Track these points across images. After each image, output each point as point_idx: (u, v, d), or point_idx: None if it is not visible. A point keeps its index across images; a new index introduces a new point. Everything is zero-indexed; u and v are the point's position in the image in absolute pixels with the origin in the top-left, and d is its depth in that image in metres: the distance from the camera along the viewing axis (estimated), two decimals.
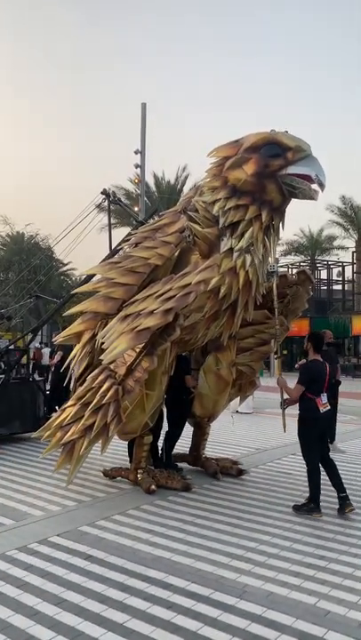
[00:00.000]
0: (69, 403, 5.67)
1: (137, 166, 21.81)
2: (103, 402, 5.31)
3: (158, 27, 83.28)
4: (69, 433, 5.37)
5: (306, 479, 5.66)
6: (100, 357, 5.36)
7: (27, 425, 8.94)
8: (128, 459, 6.81)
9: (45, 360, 18.52)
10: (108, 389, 5.35)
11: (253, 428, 10.73)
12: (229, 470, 6.89)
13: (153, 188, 31.49)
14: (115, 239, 8.88)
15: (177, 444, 6.99)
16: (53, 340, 7.60)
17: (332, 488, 5.52)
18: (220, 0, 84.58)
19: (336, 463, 5.72)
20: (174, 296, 5.22)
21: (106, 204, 9.29)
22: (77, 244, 9.01)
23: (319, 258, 35.98)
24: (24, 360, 10.36)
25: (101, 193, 8.96)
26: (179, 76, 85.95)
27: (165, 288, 5.38)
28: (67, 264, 36.47)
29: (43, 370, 18.25)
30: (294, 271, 10.23)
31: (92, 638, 3.20)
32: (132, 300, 5.53)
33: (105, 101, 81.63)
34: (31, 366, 10.22)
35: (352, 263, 33.95)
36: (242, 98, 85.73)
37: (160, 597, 3.67)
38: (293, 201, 5.65)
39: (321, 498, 5.48)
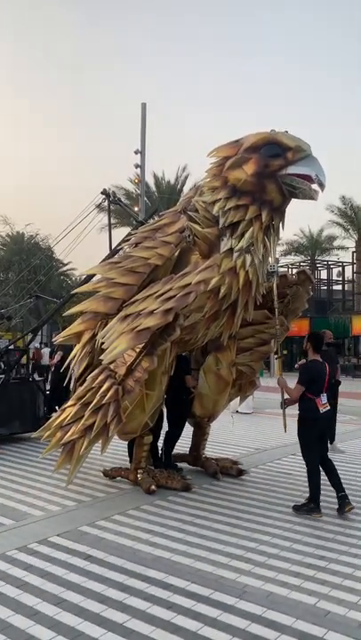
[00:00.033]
0: (69, 403, 5.67)
1: (137, 166, 21.82)
2: (103, 402, 5.31)
3: (158, 27, 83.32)
4: (69, 433, 5.37)
5: (306, 479, 5.66)
6: (100, 357, 5.36)
7: (26, 425, 8.94)
8: (128, 459, 6.81)
9: (45, 360, 18.51)
10: (108, 389, 5.35)
11: (253, 428, 10.73)
12: (229, 470, 6.89)
13: (153, 188, 31.49)
14: (115, 239, 8.90)
15: (177, 443, 6.99)
16: (53, 340, 7.61)
17: (332, 488, 5.52)
18: (220, 0, 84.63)
19: (336, 463, 5.72)
20: (174, 296, 5.22)
21: (106, 203, 9.29)
22: (77, 244, 9.02)
23: (319, 258, 36.00)
24: (24, 360, 10.37)
25: (101, 193, 8.96)
26: (179, 76, 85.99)
27: (165, 288, 5.38)
28: (67, 264, 36.49)
29: (42, 370, 18.24)
30: (294, 271, 10.23)
31: (92, 638, 3.20)
32: (132, 300, 5.53)
33: (105, 101, 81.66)
34: (30, 366, 10.21)
35: (352, 263, 33.96)
36: (242, 98, 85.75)
37: (160, 597, 3.67)
38: (293, 201, 5.65)
39: (321, 498, 5.48)
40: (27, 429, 8.91)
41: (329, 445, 7.04)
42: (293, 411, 5.68)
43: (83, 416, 5.34)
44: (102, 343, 5.43)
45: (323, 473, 5.55)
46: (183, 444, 7.33)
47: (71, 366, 6.49)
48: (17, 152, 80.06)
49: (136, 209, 20.67)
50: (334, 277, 35.30)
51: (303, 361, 7.03)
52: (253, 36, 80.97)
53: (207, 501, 5.78)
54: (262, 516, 5.31)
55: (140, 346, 5.50)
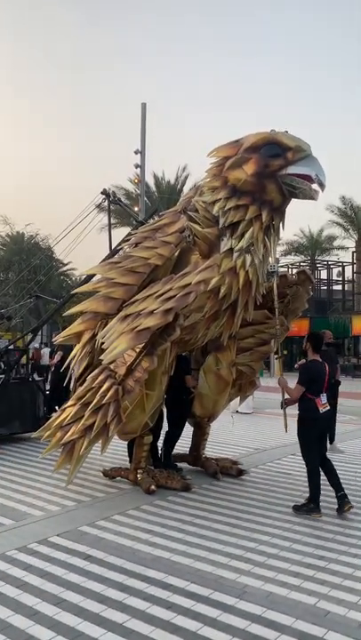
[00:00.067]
0: (69, 403, 5.67)
1: (137, 166, 21.82)
2: (103, 402, 5.31)
3: (158, 27, 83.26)
4: (69, 433, 5.37)
5: (305, 479, 5.66)
6: (100, 357, 5.36)
7: (26, 425, 8.94)
8: (128, 459, 6.81)
9: (45, 360, 18.50)
10: (108, 389, 5.35)
11: (253, 428, 10.73)
12: (229, 470, 6.89)
13: (153, 188, 31.50)
14: (115, 239, 8.89)
15: (177, 443, 6.99)
16: (53, 340, 7.60)
17: (332, 488, 5.51)
18: (221, 0, 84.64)
19: (335, 463, 5.72)
20: (174, 296, 5.22)
21: (106, 204, 9.29)
22: (77, 244, 9.02)
23: (319, 258, 36.00)
24: (24, 360, 10.37)
25: (101, 193, 8.96)
26: (179, 76, 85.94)
27: (165, 288, 5.37)
28: (67, 264, 36.49)
29: (42, 370, 18.23)
30: (294, 271, 10.22)
31: (92, 638, 3.20)
32: (132, 299, 5.53)
33: (105, 101, 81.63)
34: (30, 367, 10.22)
35: (352, 263, 33.97)
36: (242, 98, 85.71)
37: (160, 597, 3.67)
38: (293, 201, 5.65)
39: (321, 498, 5.48)
40: (26, 429, 8.91)
41: (329, 445, 7.05)
42: (294, 411, 5.67)
43: (83, 416, 5.34)
44: (102, 343, 5.43)
45: (322, 473, 5.55)
46: (183, 444, 7.33)
47: (71, 366, 6.49)
48: (17, 152, 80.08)
49: (136, 209, 20.67)
50: (334, 277, 35.32)
51: (303, 361, 7.04)
52: (253, 36, 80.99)
53: (207, 501, 5.78)
54: (262, 516, 5.31)
55: (140, 346, 5.49)
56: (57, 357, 10.54)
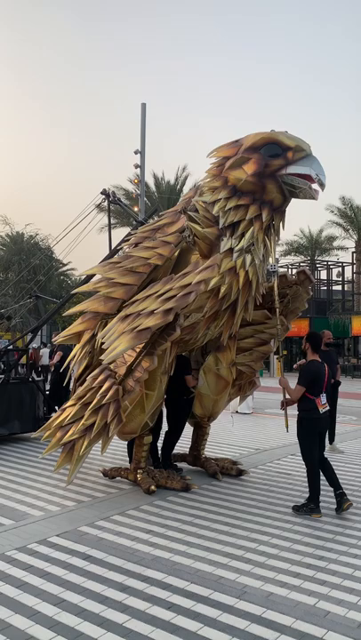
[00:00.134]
0: (69, 403, 5.67)
1: (137, 166, 21.80)
2: (103, 402, 5.31)
3: (158, 27, 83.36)
4: (69, 433, 5.36)
5: (305, 479, 5.65)
6: (101, 357, 5.35)
7: (26, 425, 8.94)
8: (128, 459, 6.81)
9: (45, 360, 18.52)
10: (108, 389, 5.35)
11: (253, 428, 10.73)
12: (229, 470, 6.89)
13: (153, 188, 31.52)
14: (115, 239, 8.91)
15: (177, 443, 6.98)
16: (53, 340, 7.60)
17: (331, 488, 5.51)
18: (221, 0, 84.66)
19: (335, 463, 5.73)
20: (174, 296, 5.22)
21: (106, 204, 9.29)
22: (77, 244, 9.02)
23: (319, 258, 36.01)
24: (23, 360, 10.36)
25: (101, 193, 8.96)
26: (179, 76, 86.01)
27: (166, 288, 5.37)
28: (66, 264, 36.53)
29: (39, 370, 18.24)
30: (294, 271, 10.24)
31: (92, 638, 3.19)
32: (132, 299, 5.53)
33: (105, 101, 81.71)
34: (27, 367, 10.21)
35: (352, 263, 33.99)
36: (242, 98, 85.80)
37: (159, 598, 3.67)
38: (293, 201, 5.65)
39: (320, 498, 5.48)
40: (26, 429, 8.91)
41: (329, 445, 7.06)
42: (294, 411, 5.67)
43: (83, 416, 5.34)
44: (102, 343, 5.42)
45: (321, 473, 5.54)
46: (183, 444, 7.33)
47: (71, 366, 6.49)
48: (17, 152, 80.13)
49: (136, 209, 20.66)
50: (334, 278, 35.33)
51: (303, 361, 7.04)
52: (254, 36, 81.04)
53: (207, 501, 5.77)
54: (262, 517, 5.31)
55: (140, 346, 5.49)
56: (57, 357, 10.54)
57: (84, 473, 6.82)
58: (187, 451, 7.29)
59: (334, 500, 5.49)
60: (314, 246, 36.24)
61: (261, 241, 5.53)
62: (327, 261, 35.35)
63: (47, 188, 72.57)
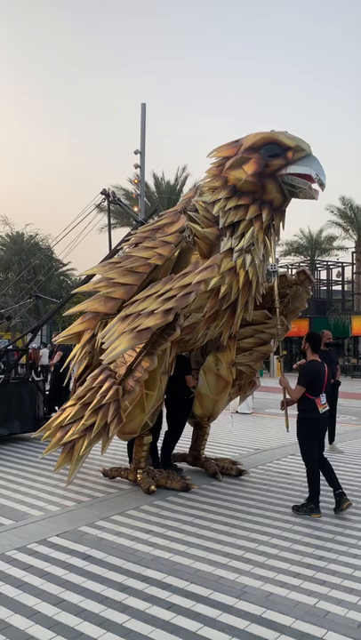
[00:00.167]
0: (69, 403, 5.67)
1: (137, 166, 21.80)
2: (103, 402, 5.30)
3: (158, 27, 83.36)
4: (69, 433, 5.36)
5: (305, 479, 5.65)
6: (101, 357, 5.35)
7: (26, 425, 8.93)
8: (128, 459, 6.81)
9: (44, 360, 18.51)
10: (108, 389, 5.35)
11: (253, 428, 10.72)
12: (229, 470, 6.89)
13: (153, 188, 31.52)
14: (115, 239, 8.91)
15: (177, 444, 6.98)
16: (53, 340, 7.60)
17: (331, 488, 5.51)
18: (221, 0, 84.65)
19: (335, 463, 5.72)
20: (175, 296, 5.22)
21: (106, 204, 9.28)
22: (77, 244, 9.02)
23: (319, 258, 36.01)
24: (23, 360, 10.36)
25: (101, 193, 8.96)
26: (179, 76, 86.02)
27: (166, 288, 5.37)
28: (66, 264, 36.51)
29: (40, 371, 18.22)
30: (294, 271, 10.24)
31: (92, 638, 3.19)
32: (132, 299, 5.52)
33: (105, 101, 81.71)
34: (28, 367, 10.21)
35: (352, 264, 33.99)
36: (242, 98, 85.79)
37: (159, 598, 3.67)
38: (293, 201, 5.65)
39: (320, 498, 5.48)
40: (26, 429, 8.90)
41: (329, 445, 7.06)
42: (294, 411, 5.67)
43: (83, 416, 5.34)
44: (102, 343, 5.42)
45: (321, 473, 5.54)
46: (183, 444, 7.33)
47: (71, 366, 6.48)
48: (17, 152, 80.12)
49: (136, 209, 20.66)
50: (334, 278, 35.34)
51: (303, 361, 7.04)
52: (254, 36, 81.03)
53: (206, 501, 5.77)
54: (262, 517, 5.31)
55: (140, 346, 5.49)
56: (57, 357, 10.54)
57: (84, 473, 6.82)
58: (187, 451, 7.29)
59: (334, 500, 5.49)
60: (314, 246, 36.24)
61: (261, 241, 5.53)
62: (327, 261, 35.36)
63: (47, 188, 72.62)
